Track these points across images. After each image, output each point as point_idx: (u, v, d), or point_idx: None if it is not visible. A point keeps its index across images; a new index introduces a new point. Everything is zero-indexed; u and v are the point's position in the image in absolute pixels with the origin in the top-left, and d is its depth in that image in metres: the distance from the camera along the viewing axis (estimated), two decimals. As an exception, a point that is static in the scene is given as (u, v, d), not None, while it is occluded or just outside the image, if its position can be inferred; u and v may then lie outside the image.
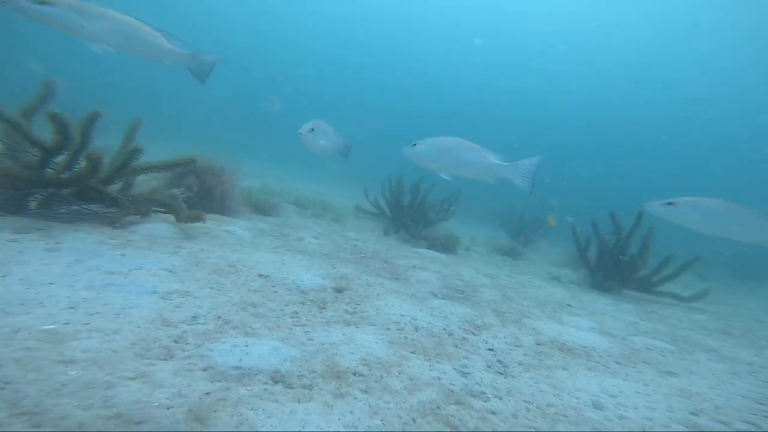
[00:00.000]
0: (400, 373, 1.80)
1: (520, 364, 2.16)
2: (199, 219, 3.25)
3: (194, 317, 1.89)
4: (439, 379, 1.82)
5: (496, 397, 1.77)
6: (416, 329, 2.35)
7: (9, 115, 2.72)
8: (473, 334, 2.48)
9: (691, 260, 4.99)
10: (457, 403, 1.65)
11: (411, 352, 2.04)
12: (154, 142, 3.24)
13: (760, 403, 2.08)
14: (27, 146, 2.90)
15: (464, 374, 1.92)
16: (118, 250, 2.53)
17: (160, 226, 3.20)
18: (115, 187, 3.23)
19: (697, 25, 30.97)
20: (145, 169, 3.20)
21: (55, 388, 1.23)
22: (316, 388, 1.55)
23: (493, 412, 1.64)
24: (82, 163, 2.96)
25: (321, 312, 2.32)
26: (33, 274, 1.97)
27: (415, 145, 3.99)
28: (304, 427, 1.31)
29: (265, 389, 1.47)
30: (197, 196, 4.31)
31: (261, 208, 5.39)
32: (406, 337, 2.21)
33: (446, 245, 5.63)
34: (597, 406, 1.83)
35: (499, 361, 2.15)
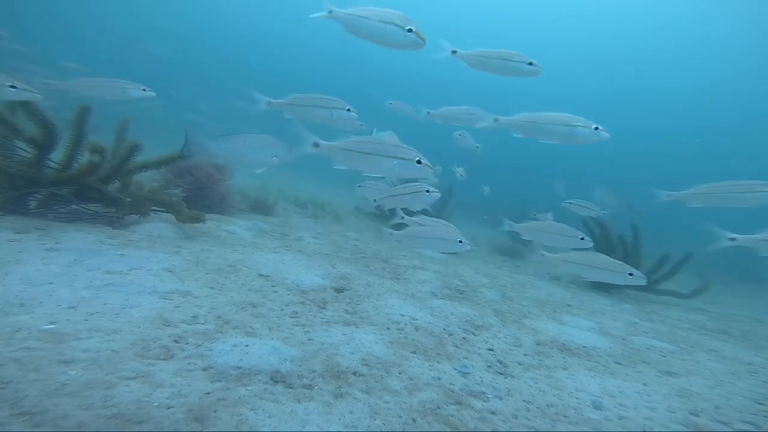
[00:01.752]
0: (400, 373, 1.80)
1: (520, 364, 2.16)
2: (199, 220, 3.25)
3: (194, 317, 1.89)
4: (439, 379, 1.82)
5: (496, 397, 1.77)
6: (416, 329, 2.35)
7: None
8: (473, 334, 2.48)
9: (685, 257, 5.01)
10: (457, 403, 1.65)
11: (411, 352, 2.04)
12: (149, 140, 3.23)
13: (760, 403, 2.08)
14: (19, 142, 2.91)
15: (464, 374, 1.92)
16: (118, 249, 2.53)
17: (160, 225, 3.20)
18: (114, 187, 3.23)
19: (706, 33, 30.92)
20: (144, 166, 3.20)
21: (55, 387, 1.23)
22: (316, 388, 1.55)
23: (493, 412, 1.64)
24: (81, 162, 2.97)
25: (321, 312, 2.32)
26: (33, 274, 1.97)
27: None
28: (304, 427, 1.31)
29: (265, 389, 1.47)
30: (195, 195, 4.31)
31: (261, 208, 5.39)
32: (406, 337, 2.21)
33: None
34: (597, 406, 1.83)
35: (499, 361, 2.15)
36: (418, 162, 2.38)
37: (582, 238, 3.26)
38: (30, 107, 2.72)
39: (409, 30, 2.35)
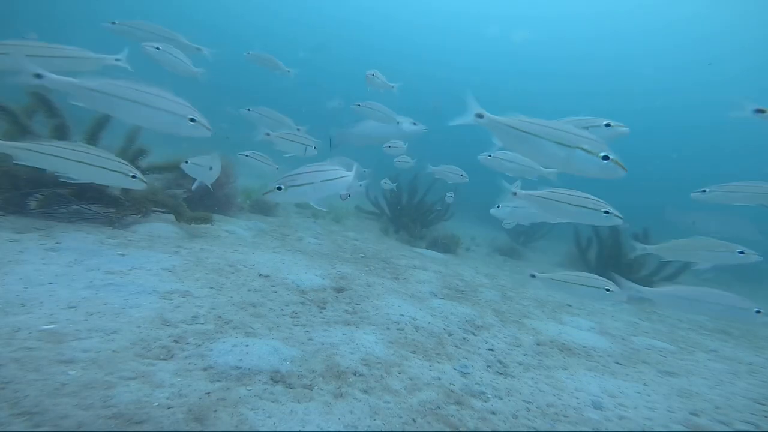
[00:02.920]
0: (400, 373, 1.80)
1: (520, 364, 2.16)
2: (207, 221, 3.28)
3: (194, 317, 1.89)
4: (439, 379, 1.82)
5: (496, 397, 1.77)
6: (416, 329, 2.35)
7: (7, 105, 2.74)
8: (473, 334, 2.48)
9: (690, 262, 5.01)
10: (457, 403, 1.65)
11: (411, 352, 2.04)
12: (162, 144, 3.25)
13: (760, 403, 2.08)
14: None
15: (464, 374, 1.92)
16: (118, 249, 2.53)
17: (161, 225, 3.20)
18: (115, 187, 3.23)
19: (709, 31, 30.86)
20: (151, 169, 3.21)
21: (55, 387, 1.23)
22: (316, 388, 1.56)
23: (493, 412, 1.64)
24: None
25: (321, 312, 2.32)
26: (33, 274, 1.97)
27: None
28: (304, 427, 1.32)
29: (265, 389, 1.47)
30: (199, 196, 4.31)
31: (261, 208, 5.39)
32: (406, 337, 2.21)
33: (446, 245, 5.63)
34: (597, 406, 1.83)
35: (499, 361, 2.15)
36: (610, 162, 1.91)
37: (741, 252, 2.82)
38: (50, 109, 2.74)
39: (606, 157, 1.82)
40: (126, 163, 2.18)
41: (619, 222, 2.27)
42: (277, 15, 39.66)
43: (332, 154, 3.99)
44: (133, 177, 2.15)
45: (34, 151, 2.01)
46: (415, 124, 4.16)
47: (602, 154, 1.83)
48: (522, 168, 3.30)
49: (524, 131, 1.88)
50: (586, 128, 2.24)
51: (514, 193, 2.33)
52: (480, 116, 1.91)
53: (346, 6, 38.74)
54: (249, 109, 3.65)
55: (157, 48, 3.15)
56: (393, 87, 3.95)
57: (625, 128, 2.30)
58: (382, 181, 5.75)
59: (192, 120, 1.95)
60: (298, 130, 3.69)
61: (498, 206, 3.09)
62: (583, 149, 1.84)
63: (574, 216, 2.28)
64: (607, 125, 2.26)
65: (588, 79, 37.00)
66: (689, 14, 30.68)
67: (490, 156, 3.27)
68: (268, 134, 3.18)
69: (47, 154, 2.02)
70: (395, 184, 6.33)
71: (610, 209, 2.24)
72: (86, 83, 1.83)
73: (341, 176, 2.28)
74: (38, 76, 1.76)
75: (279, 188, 2.08)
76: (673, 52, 33.94)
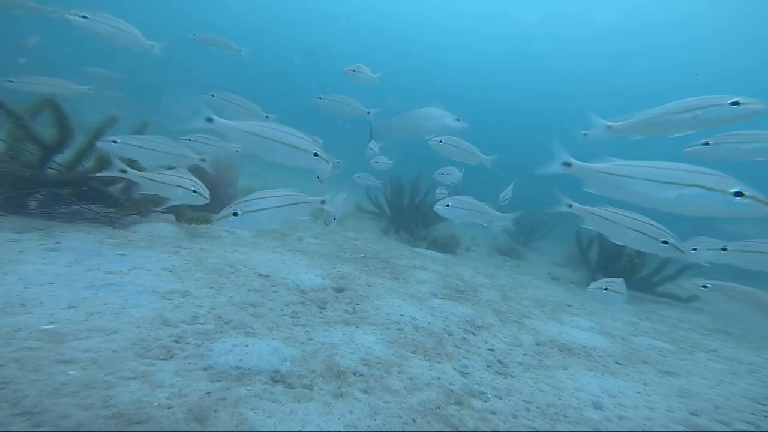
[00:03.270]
0: (400, 373, 1.80)
1: (520, 364, 2.16)
2: (207, 221, 3.29)
3: (194, 317, 1.89)
4: (439, 379, 1.82)
5: (496, 397, 1.77)
6: (416, 329, 2.35)
7: (12, 107, 2.74)
8: (473, 334, 2.48)
9: (690, 263, 5.02)
10: (457, 403, 1.65)
11: (411, 352, 2.04)
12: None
13: (760, 403, 2.08)
14: (28, 145, 2.92)
15: (464, 374, 1.92)
16: (118, 249, 2.53)
17: (161, 225, 3.20)
18: (116, 187, 3.24)
19: (714, 30, 30.79)
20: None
21: (55, 387, 1.23)
22: (316, 388, 1.56)
23: (493, 412, 1.64)
24: (87, 164, 2.99)
25: (321, 312, 2.32)
26: (33, 274, 1.97)
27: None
28: (304, 427, 1.32)
29: (265, 389, 1.47)
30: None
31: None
32: (406, 337, 2.21)
33: (446, 245, 5.63)
34: (597, 406, 1.83)
35: (499, 361, 2.15)
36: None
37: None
38: (58, 113, 2.76)
39: (739, 194, 1.54)
40: (193, 179, 2.31)
41: (680, 255, 2.04)
42: (277, 15, 39.68)
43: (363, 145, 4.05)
44: (194, 192, 2.30)
45: (152, 180, 2.30)
46: (457, 120, 4.18)
47: (733, 190, 1.54)
48: (464, 153, 3.53)
49: (621, 175, 1.68)
50: (703, 109, 1.92)
51: (570, 206, 2.11)
52: (568, 164, 1.78)
53: (346, 6, 38.76)
54: (212, 95, 3.40)
55: (84, 17, 2.62)
56: (374, 78, 4.02)
57: (760, 105, 1.88)
58: (355, 176, 5.53)
59: (316, 155, 2.04)
60: (266, 117, 3.60)
61: (447, 204, 3.18)
62: (701, 186, 1.56)
63: (631, 241, 2.06)
64: (735, 104, 1.88)
65: (588, 79, 37.04)
66: (690, 14, 30.66)
67: (441, 142, 3.49)
68: None
69: (158, 181, 2.29)
70: (385, 182, 6.26)
71: (671, 239, 1.98)
72: (241, 126, 1.98)
73: (304, 201, 2.10)
74: (209, 120, 1.92)
75: (235, 213, 1.93)
76: (672, 52, 33.93)
